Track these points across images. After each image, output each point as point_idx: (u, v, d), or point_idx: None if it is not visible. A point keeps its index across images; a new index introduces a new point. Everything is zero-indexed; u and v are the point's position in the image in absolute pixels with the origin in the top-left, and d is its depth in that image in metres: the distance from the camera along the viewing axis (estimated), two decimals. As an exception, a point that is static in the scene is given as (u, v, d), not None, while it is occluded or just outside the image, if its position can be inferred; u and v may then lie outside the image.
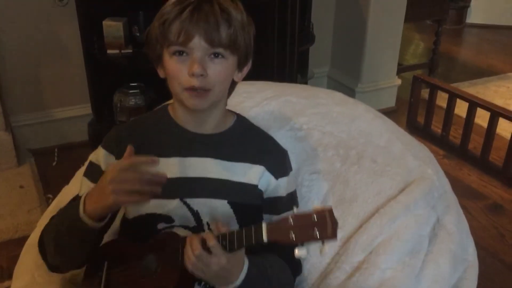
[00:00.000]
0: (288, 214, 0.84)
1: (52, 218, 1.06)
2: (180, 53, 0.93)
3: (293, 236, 0.82)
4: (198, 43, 0.92)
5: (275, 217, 0.97)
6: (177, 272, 0.93)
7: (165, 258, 0.95)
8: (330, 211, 0.82)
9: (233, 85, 1.04)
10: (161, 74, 1.01)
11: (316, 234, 0.81)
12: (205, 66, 0.93)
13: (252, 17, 1.01)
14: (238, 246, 0.87)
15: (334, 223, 0.81)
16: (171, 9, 0.93)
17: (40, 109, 2.52)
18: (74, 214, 0.95)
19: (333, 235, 0.81)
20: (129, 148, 0.94)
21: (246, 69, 1.03)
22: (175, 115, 1.06)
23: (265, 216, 1.09)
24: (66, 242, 0.98)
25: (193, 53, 0.93)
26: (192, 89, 0.94)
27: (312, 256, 1.18)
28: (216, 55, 0.94)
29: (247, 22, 0.98)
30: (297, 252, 0.83)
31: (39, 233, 1.19)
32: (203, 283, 1.00)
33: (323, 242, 0.82)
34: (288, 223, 0.83)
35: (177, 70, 0.94)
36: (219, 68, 0.95)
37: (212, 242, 0.87)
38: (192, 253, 0.88)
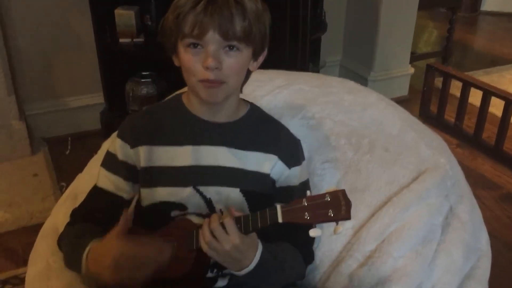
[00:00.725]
0: (301, 198, 0.85)
1: (65, 232, 1.07)
2: (195, 45, 0.93)
3: (308, 216, 0.84)
4: (212, 36, 0.91)
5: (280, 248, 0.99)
6: (191, 257, 0.94)
7: (180, 243, 0.96)
8: (343, 192, 0.84)
9: (248, 74, 1.04)
10: (176, 62, 1.01)
11: (331, 214, 0.82)
12: (219, 59, 0.93)
13: (264, 6, 1.00)
14: (254, 228, 0.88)
15: (348, 203, 0.83)
16: (185, 2, 0.93)
17: (53, 98, 2.54)
18: (77, 261, 0.97)
19: (347, 215, 0.82)
20: (124, 213, 0.95)
21: (261, 58, 1.03)
22: (189, 104, 1.06)
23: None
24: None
25: (208, 46, 0.92)
26: (207, 81, 0.94)
27: (324, 245, 1.18)
28: (231, 47, 0.94)
29: (262, 10, 0.97)
30: (312, 232, 0.85)
31: (54, 220, 1.22)
32: (215, 270, 1.01)
33: (337, 222, 0.83)
34: (302, 204, 0.84)
35: (191, 62, 0.94)
36: (234, 61, 0.94)
37: (227, 218, 0.88)
38: (208, 227, 0.88)
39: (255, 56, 1.00)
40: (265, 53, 1.02)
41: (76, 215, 1.09)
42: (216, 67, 0.92)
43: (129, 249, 0.91)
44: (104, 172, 1.07)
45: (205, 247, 0.89)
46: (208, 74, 0.93)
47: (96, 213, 1.06)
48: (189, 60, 0.94)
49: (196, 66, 0.93)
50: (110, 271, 0.90)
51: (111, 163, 1.07)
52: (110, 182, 1.07)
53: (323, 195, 0.84)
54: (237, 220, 0.89)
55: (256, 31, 0.95)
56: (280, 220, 0.85)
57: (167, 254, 0.94)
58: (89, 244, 0.96)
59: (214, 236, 0.88)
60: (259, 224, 0.88)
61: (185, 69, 0.96)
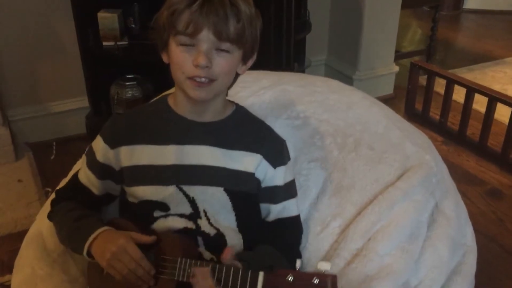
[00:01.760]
0: (288, 271, 0.80)
1: (59, 211, 1.09)
2: (187, 43, 0.93)
3: None
4: (206, 36, 0.92)
5: (274, 256, 0.97)
6: (174, 283, 0.94)
7: (163, 265, 0.96)
8: (334, 280, 0.77)
9: (236, 77, 1.04)
10: (165, 59, 1.01)
11: None
12: (210, 58, 0.93)
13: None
14: (232, 285, 0.86)
15: None
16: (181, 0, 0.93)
17: (37, 103, 2.51)
18: (78, 242, 1.01)
19: None
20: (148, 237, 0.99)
21: (250, 62, 1.03)
22: (174, 104, 1.06)
23: (263, 205, 1.10)
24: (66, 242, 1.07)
25: (200, 44, 0.92)
26: (195, 80, 0.94)
27: (311, 244, 1.18)
28: (223, 48, 0.94)
29: (255, 15, 0.98)
30: None
31: (39, 226, 1.21)
32: None
33: None
34: (287, 280, 0.79)
35: (182, 59, 0.94)
36: (224, 62, 0.95)
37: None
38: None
39: (244, 60, 1.01)
40: (254, 57, 1.03)
41: (60, 195, 1.13)
42: (207, 66, 0.92)
43: (125, 254, 0.95)
44: (84, 164, 1.10)
45: None
46: (197, 71, 0.93)
47: (74, 200, 1.10)
48: (180, 56, 0.94)
49: (186, 63, 0.93)
50: (110, 256, 0.95)
51: (90, 158, 1.08)
52: (86, 175, 1.09)
53: (311, 276, 0.77)
54: (219, 270, 0.87)
55: (248, 34, 0.96)
56: None
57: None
58: (100, 228, 0.99)
59: None
60: (239, 284, 0.84)
61: (175, 65, 0.96)
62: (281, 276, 0.79)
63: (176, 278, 0.92)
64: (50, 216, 1.12)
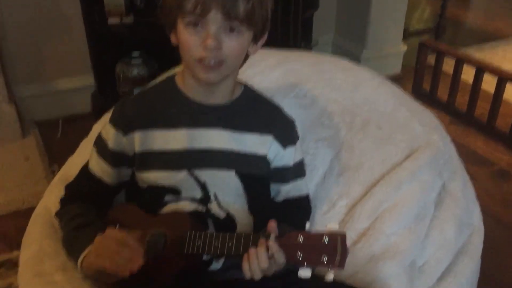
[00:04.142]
0: (298, 233, 0.81)
1: (65, 214, 1.07)
2: (195, 24, 0.91)
3: (300, 256, 0.80)
4: (214, 16, 0.89)
5: (283, 227, 0.91)
6: (183, 258, 0.94)
7: (172, 241, 0.96)
8: (343, 238, 0.79)
9: (246, 57, 1.02)
10: (173, 40, 0.99)
11: (324, 260, 0.78)
12: (220, 39, 0.91)
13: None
14: (243, 250, 0.87)
15: (344, 252, 0.78)
16: None
17: (43, 80, 2.51)
18: (73, 254, 0.99)
19: (341, 265, 0.78)
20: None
21: (261, 42, 1.01)
22: (183, 86, 1.04)
23: (272, 185, 1.10)
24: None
25: (209, 25, 0.90)
26: (205, 62, 0.92)
27: (317, 224, 1.18)
28: (232, 29, 0.92)
29: None
30: (301, 272, 0.80)
31: (46, 204, 1.22)
32: (209, 256, 1.00)
33: (329, 269, 0.79)
34: (297, 241, 0.80)
35: (190, 41, 0.92)
36: (234, 43, 0.93)
37: (276, 250, 0.83)
38: (259, 265, 0.84)
39: (255, 40, 0.98)
40: (265, 37, 1.01)
41: (69, 191, 1.10)
42: (216, 47, 0.90)
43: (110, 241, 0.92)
44: (95, 154, 1.07)
45: (248, 276, 0.86)
46: (206, 53, 0.91)
47: (86, 194, 1.07)
48: (188, 38, 0.92)
49: (194, 44, 0.91)
50: (95, 251, 0.93)
51: (101, 148, 1.06)
52: (98, 166, 1.06)
53: (321, 236, 0.79)
54: (230, 238, 0.88)
55: (259, 14, 0.93)
56: (270, 252, 0.83)
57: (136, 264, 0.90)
58: (90, 245, 0.96)
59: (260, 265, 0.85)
60: (249, 257, 0.85)
61: (183, 47, 0.94)
62: (291, 238, 0.81)
63: (185, 251, 0.93)
64: (57, 215, 1.10)
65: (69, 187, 1.11)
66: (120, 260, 0.89)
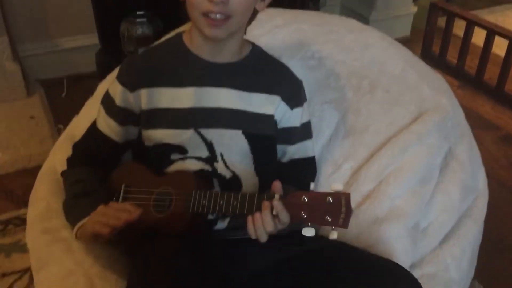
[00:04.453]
0: (302, 193, 0.82)
1: (69, 175, 1.08)
2: None
3: (304, 215, 0.81)
4: None
5: (288, 188, 0.90)
6: (189, 214, 0.94)
7: (178, 198, 0.96)
8: (347, 197, 0.79)
9: (254, 14, 1.00)
10: None
11: (328, 219, 0.79)
12: None
13: None
14: (248, 210, 0.87)
15: (348, 211, 0.79)
16: None
17: (47, 39, 2.48)
18: (71, 221, 1.01)
19: (345, 225, 0.79)
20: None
21: None
22: (190, 44, 1.03)
23: (279, 146, 1.09)
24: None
25: None
26: (211, 17, 0.90)
27: (322, 185, 1.18)
28: None
29: None
30: (305, 231, 0.81)
31: (52, 163, 1.22)
32: (215, 213, 1.01)
33: (332, 228, 0.80)
34: (302, 200, 0.81)
35: None
36: None
37: (280, 209, 0.83)
38: (264, 228, 0.85)
39: None
40: None
41: (76, 150, 1.10)
42: (222, 1, 0.89)
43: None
44: (102, 112, 1.07)
45: (253, 235, 0.87)
46: (212, 7, 0.89)
47: (93, 153, 1.08)
48: None
49: None
50: (91, 226, 0.94)
51: (109, 105, 1.06)
52: (106, 124, 1.06)
53: (325, 195, 0.79)
54: (235, 197, 0.89)
55: None
56: (274, 212, 0.83)
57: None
58: (87, 216, 0.97)
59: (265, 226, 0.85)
60: (254, 209, 0.86)
61: (189, 1, 0.92)
62: (296, 197, 0.82)
63: (190, 210, 0.94)
64: (63, 174, 1.10)
65: (76, 146, 1.11)
66: (122, 215, 0.91)
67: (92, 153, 1.08)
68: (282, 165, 1.10)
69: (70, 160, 1.10)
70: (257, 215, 0.85)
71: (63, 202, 1.06)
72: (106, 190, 1.04)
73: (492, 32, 2.46)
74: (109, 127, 1.06)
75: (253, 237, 0.87)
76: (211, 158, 1.02)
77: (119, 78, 1.04)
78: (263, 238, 0.86)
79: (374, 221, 1.09)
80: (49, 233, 1.07)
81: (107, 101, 1.06)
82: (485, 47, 2.51)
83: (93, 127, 1.09)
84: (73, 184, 1.05)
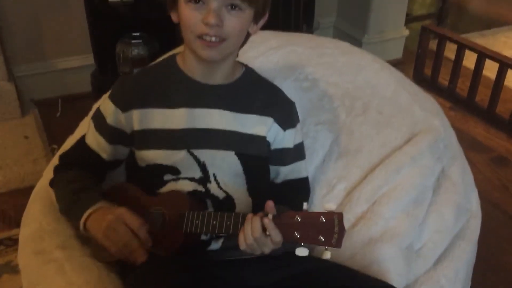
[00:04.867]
0: (296, 213, 0.82)
1: (61, 180, 1.08)
2: (196, 0, 0.90)
3: (297, 235, 0.81)
4: None
5: (281, 208, 0.90)
6: (182, 235, 0.95)
7: (171, 218, 0.96)
8: (340, 217, 0.80)
9: (247, 37, 1.02)
10: (174, 18, 0.98)
11: (321, 240, 0.79)
12: (221, 16, 0.90)
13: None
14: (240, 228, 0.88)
15: (341, 231, 0.79)
16: None
17: (42, 59, 2.49)
18: (75, 216, 1.00)
19: (338, 244, 0.79)
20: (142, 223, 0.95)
21: (262, 22, 1.00)
22: (183, 65, 1.04)
23: (272, 167, 1.10)
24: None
25: (210, 2, 0.90)
26: (205, 39, 0.92)
27: (316, 206, 1.19)
28: (233, 6, 0.91)
29: None
30: (298, 251, 0.81)
31: (46, 182, 1.22)
32: (208, 234, 1.01)
33: (326, 248, 0.81)
34: (295, 220, 0.81)
35: (191, 17, 0.91)
36: (235, 20, 0.92)
37: (272, 229, 0.84)
38: (252, 235, 0.86)
39: (256, 19, 0.98)
40: (265, 17, 1.00)
41: (63, 160, 1.11)
42: (217, 24, 0.90)
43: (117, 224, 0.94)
44: (92, 128, 1.07)
45: (243, 247, 0.88)
46: (207, 29, 0.90)
47: (80, 164, 1.08)
48: (189, 15, 0.92)
49: (195, 21, 0.91)
50: (106, 227, 0.94)
51: (99, 122, 1.06)
52: (95, 140, 1.07)
53: (318, 215, 0.80)
54: (228, 217, 0.90)
55: None
56: (267, 232, 0.84)
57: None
58: (94, 205, 0.98)
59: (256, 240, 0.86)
60: (250, 228, 0.86)
61: (184, 24, 0.94)
62: (289, 217, 0.82)
63: (184, 230, 0.94)
64: (51, 183, 1.10)
65: (64, 156, 1.12)
66: (125, 251, 0.93)
67: (79, 164, 1.08)
68: (275, 186, 1.11)
69: (56, 169, 1.10)
70: (248, 216, 0.87)
71: (61, 202, 1.06)
72: (101, 188, 1.06)
73: (483, 55, 2.50)
74: (98, 143, 1.06)
75: (242, 247, 0.87)
76: (204, 179, 1.02)
77: (112, 97, 1.04)
78: (253, 248, 0.86)
79: (368, 242, 1.09)
80: (41, 254, 1.06)
81: (98, 118, 1.06)
82: (476, 70, 2.54)
83: (82, 141, 1.09)
84: (68, 184, 1.05)
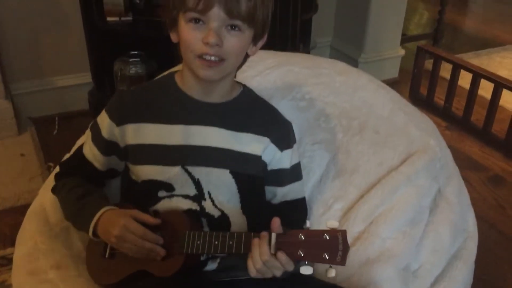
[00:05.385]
0: (299, 231, 0.82)
1: (64, 187, 1.10)
2: (197, 20, 0.91)
3: (302, 253, 0.80)
4: (216, 13, 0.89)
5: (283, 229, 0.88)
6: (183, 256, 0.94)
7: (171, 240, 0.96)
8: (344, 234, 0.80)
9: (245, 58, 1.02)
10: (173, 38, 0.99)
11: (325, 257, 0.79)
12: (221, 36, 0.91)
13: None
14: (245, 248, 0.88)
15: (345, 248, 0.79)
16: None
17: (40, 77, 2.50)
18: (83, 222, 1.02)
19: (342, 262, 0.79)
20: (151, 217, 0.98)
21: (260, 43, 1.01)
22: (182, 83, 1.04)
23: (269, 188, 1.10)
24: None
25: (210, 22, 0.90)
26: (205, 59, 0.92)
27: (313, 226, 1.17)
28: (233, 27, 0.92)
29: None
30: (303, 270, 0.81)
31: (42, 201, 1.21)
32: (205, 254, 1.00)
33: (331, 266, 0.80)
34: (299, 238, 0.81)
35: (191, 37, 0.92)
36: (235, 40, 0.93)
37: (281, 253, 0.84)
38: (260, 258, 0.85)
39: (255, 40, 0.99)
40: (264, 38, 1.01)
41: (63, 168, 1.13)
42: (217, 44, 0.91)
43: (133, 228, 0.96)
44: (89, 138, 1.09)
45: (253, 272, 0.87)
46: (207, 49, 0.91)
47: (78, 173, 1.10)
48: (189, 34, 0.92)
49: (195, 41, 0.91)
50: (116, 240, 0.96)
51: (95, 133, 1.07)
52: (90, 150, 1.08)
53: (322, 233, 0.80)
54: (230, 236, 0.89)
55: (260, 14, 0.94)
56: (272, 250, 0.83)
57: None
58: (102, 209, 1.00)
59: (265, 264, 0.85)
60: (251, 248, 0.86)
61: (184, 43, 0.94)
62: (292, 236, 0.82)
63: (185, 251, 0.93)
64: (54, 190, 1.12)
65: (63, 164, 1.14)
66: (143, 254, 0.96)
67: (77, 173, 1.10)
68: (272, 207, 1.10)
69: (57, 176, 1.12)
70: (255, 241, 0.86)
71: (66, 209, 1.08)
72: (102, 191, 1.10)
73: (478, 75, 2.52)
74: (93, 154, 1.08)
75: (253, 274, 0.86)
76: (199, 196, 1.02)
77: (108, 111, 1.06)
78: (263, 271, 0.85)
79: (365, 262, 1.08)
80: (36, 274, 1.05)
81: (95, 129, 1.08)
82: (471, 90, 2.56)
83: (79, 150, 1.11)
84: (71, 190, 1.07)
